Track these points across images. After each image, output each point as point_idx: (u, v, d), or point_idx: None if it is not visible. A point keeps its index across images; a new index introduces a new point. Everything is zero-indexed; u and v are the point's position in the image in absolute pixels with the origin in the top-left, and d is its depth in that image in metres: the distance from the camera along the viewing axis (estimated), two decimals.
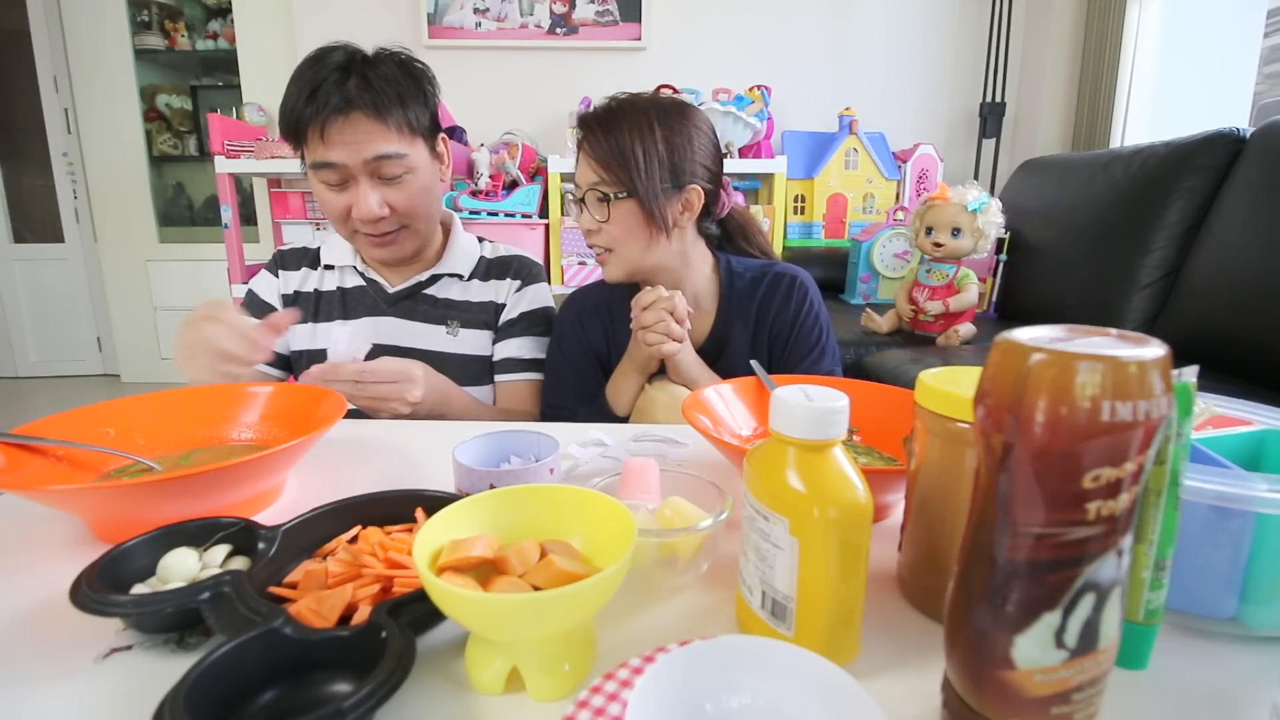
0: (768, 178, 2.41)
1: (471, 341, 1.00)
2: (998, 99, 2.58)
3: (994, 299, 2.09)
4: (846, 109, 2.46)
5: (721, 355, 0.92)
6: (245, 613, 0.35)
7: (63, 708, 0.34)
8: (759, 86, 2.45)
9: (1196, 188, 1.57)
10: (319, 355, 0.97)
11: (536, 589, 0.35)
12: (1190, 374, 0.31)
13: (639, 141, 0.82)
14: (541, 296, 1.04)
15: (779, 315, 0.92)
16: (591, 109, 0.87)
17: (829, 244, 2.45)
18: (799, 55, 2.63)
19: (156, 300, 3.23)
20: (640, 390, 0.89)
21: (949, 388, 0.38)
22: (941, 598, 0.32)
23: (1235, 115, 1.95)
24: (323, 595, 0.38)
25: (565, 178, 2.24)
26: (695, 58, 2.61)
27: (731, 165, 2.26)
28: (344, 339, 0.82)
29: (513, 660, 0.34)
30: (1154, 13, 2.17)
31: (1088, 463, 0.25)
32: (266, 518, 0.54)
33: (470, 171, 2.27)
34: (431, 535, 0.36)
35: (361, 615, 0.37)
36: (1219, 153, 1.55)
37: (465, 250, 1.03)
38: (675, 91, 2.30)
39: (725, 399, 0.67)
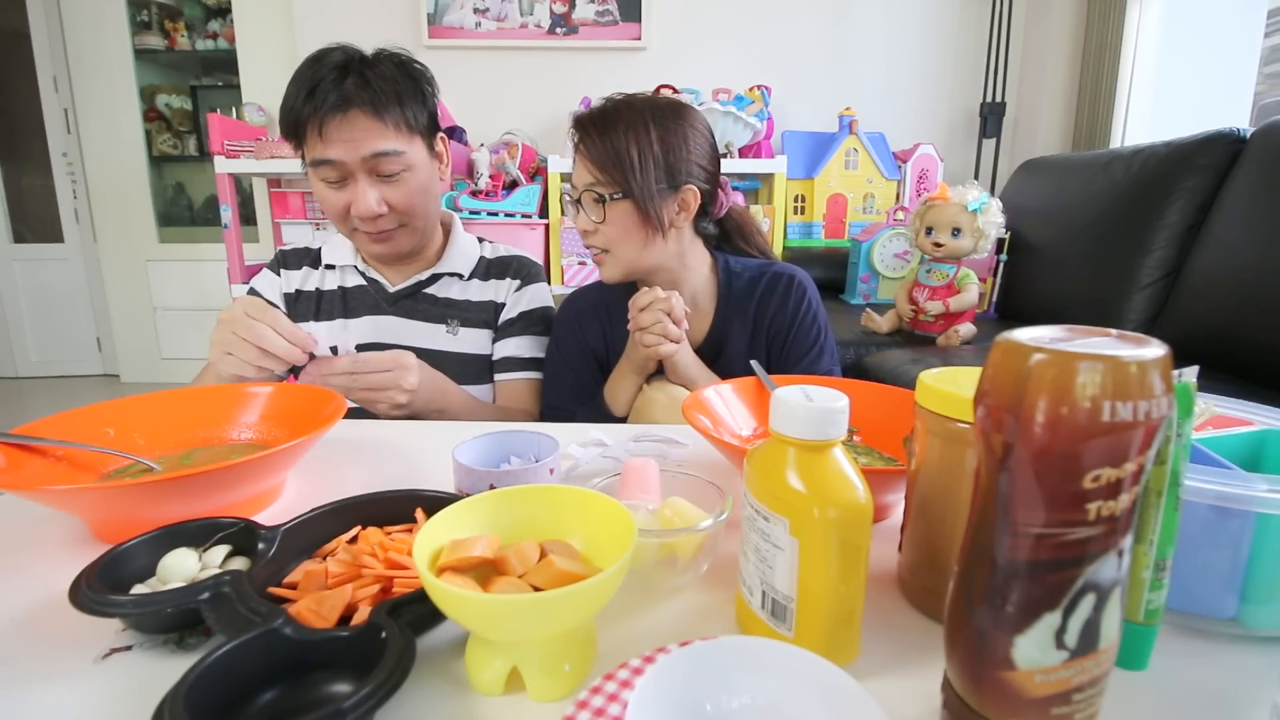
0: (768, 178, 2.41)
1: (471, 340, 1.00)
2: (998, 99, 2.58)
3: (994, 299, 2.09)
4: (846, 109, 2.46)
5: (720, 355, 0.92)
6: (245, 613, 0.35)
7: (63, 708, 0.34)
8: (759, 86, 2.45)
9: (1196, 188, 1.57)
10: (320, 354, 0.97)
11: (536, 589, 0.35)
12: (1190, 374, 0.31)
13: (634, 142, 0.82)
14: (541, 296, 1.04)
15: (777, 315, 0.92)
16: (587, 110, 0.87)
17: (829, 244, 2.45)
18: (799, 55, 2.63)
19: (156, 300, 3.23)
20: (638, 391, 0.89)
21: (949, 388, 0.38)
22: (941, 598, 0.32)
23: (1235, 115, 1.95)
24: (323, 595, 0.38)
25: (565, 178, 2.24)
26: (695, 58, 2.61)
27: (731, 165, 2.26)
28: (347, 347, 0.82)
29: (513, 660, 0.34)
30: (1154, 13, 2.17)
31: (1088, 463, 0.25)
32: (266, 518, 0.54)
33: (470, 171, 2.27)
34: (431, 535, 0.36)
35: (361, 615, 0.37)
36: (1219, 153, 1.55)
37: (465, 250, 1.03)
38: (675, 91, 2.31)
39: (725, 399, 0.67)
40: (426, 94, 0.92)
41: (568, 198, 0.90)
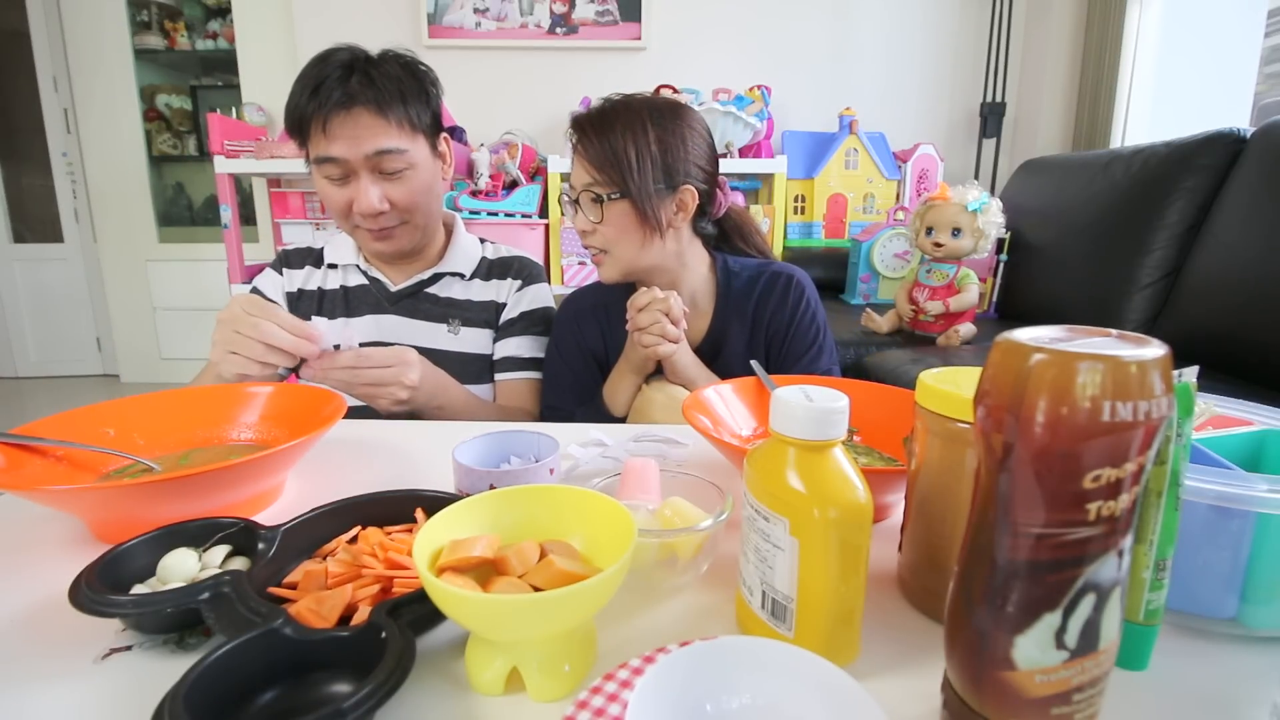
0: (768, 178, 2.41)
1: (472, 340, 1.00)
2: (998, 99, 2.58)
3: (994, 299, 2.09)
4: (846, 109, 2.46)
5: (719, 355, 0.93)
6: (245, 613, 0.35)
7: (63, 708, 0.34)
8: (759, 86, 2.45)
9: (1196, 188, 1.57)
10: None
11: (536, 589, 0.35)
12: (1190, 374, 0.31)
13: (632, 142, 0.82)
14: (542, 296, 1.05)
15: (776, 314, 0.92)
16: (585, 110, 0.87)
17: (829, 244, 2.45)
18: (799, 55, 2.63)
19: (156, 300, 3.23)
20: (637, 391, 0.89)
21: (949, 388, 0.38)
22: (941, 598, 0.32)
23: (1235, 115, 1.95)
24: (323, 595, 0.38)
25: (565, 178, 2.23)
26: (695, 58, 2.61)
27: (731, 165, 2.26)
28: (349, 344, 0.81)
29: (513, 660, 0.34)
30: (1154, 13, 2.17)
31: (1088, 463, 0.25)
32: (266, 518, 0.54)
33: (470, 171, 2.27)
34: (431, 535, 0.36)
35: (361, 615, 0.37)
36: (1219, 153, 1.55)
37: (467, 250, 1.04)
38: (675, 91, 2.31)
39: (725, 399, 0.67)
40: (431, 94, 0.92)
41: (566, 198, 0.90)
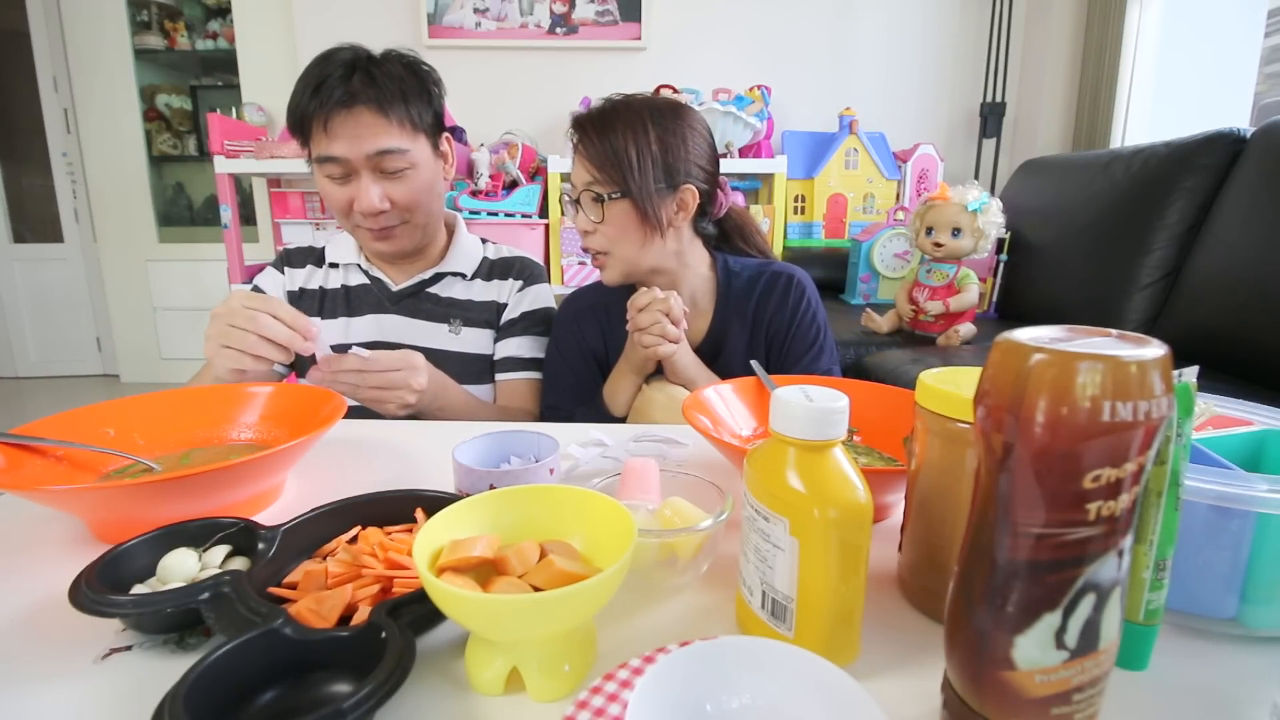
0: (768, 178, 2.41)
1: (473, 340, 1.00)
2: (998, 99, 2.58)
3: (994, 299, 2.09)
4: (846, 109, 2.46)
5: (719, 355, 0.93)
6: (245, 613, 0.35)
7: (63, 708, 0.34)
8: (759, 86, 2.45)
9: (1196, 188, 1.57)
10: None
11: (536, 589, 0.35)
12: (1190, 374, 0.31)
13: (632, 142, 0.82)
14: (543, 297, 1.05)
15: (776, 314, 0.92)
16: (586, 110, 0.87)
17: (829, 244, 2.45)
18: (799, 55, 2.63)
19: (156, 300, 3.23)
20: (638, 391, 0.89)
21: (949, 388, 0.38)
22: (941, 598, 0.32)
23: (1235, 115, 1.95)
24: (323, 595, 0.38)
25: (565, 178, 2.24)
26: (695, 58, 2.61)
27: (731, 165, 2.26)
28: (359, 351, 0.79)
29: (513, 660, 0.34)
30: (1154, 13, 2.17)
31: (1088, 463, 0.25)
32: (266, 518, 0.54)
33: (470, 171, 2.27)
34: (431, 535, 0.36)
35: (361, 615, 0.37)
36: (1219, 153, 1.55)
37: (468, 250, 1.04)
38: (675, 91, 2.31)
39: (725, 399, 0.67)
40: (433, 94, 0.92)
41: (567, 197, 0.90)
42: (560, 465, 0.54)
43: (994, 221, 1.72)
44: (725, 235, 1.00)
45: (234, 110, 2.82)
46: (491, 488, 0.44)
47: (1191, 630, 0.39)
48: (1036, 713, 0.28)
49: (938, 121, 2.68)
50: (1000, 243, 2.01)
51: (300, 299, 1.01)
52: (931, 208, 1.77)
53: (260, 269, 1.06)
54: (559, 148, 2.47)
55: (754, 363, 0.71)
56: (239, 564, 0.42)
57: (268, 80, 2.81)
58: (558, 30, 2.58)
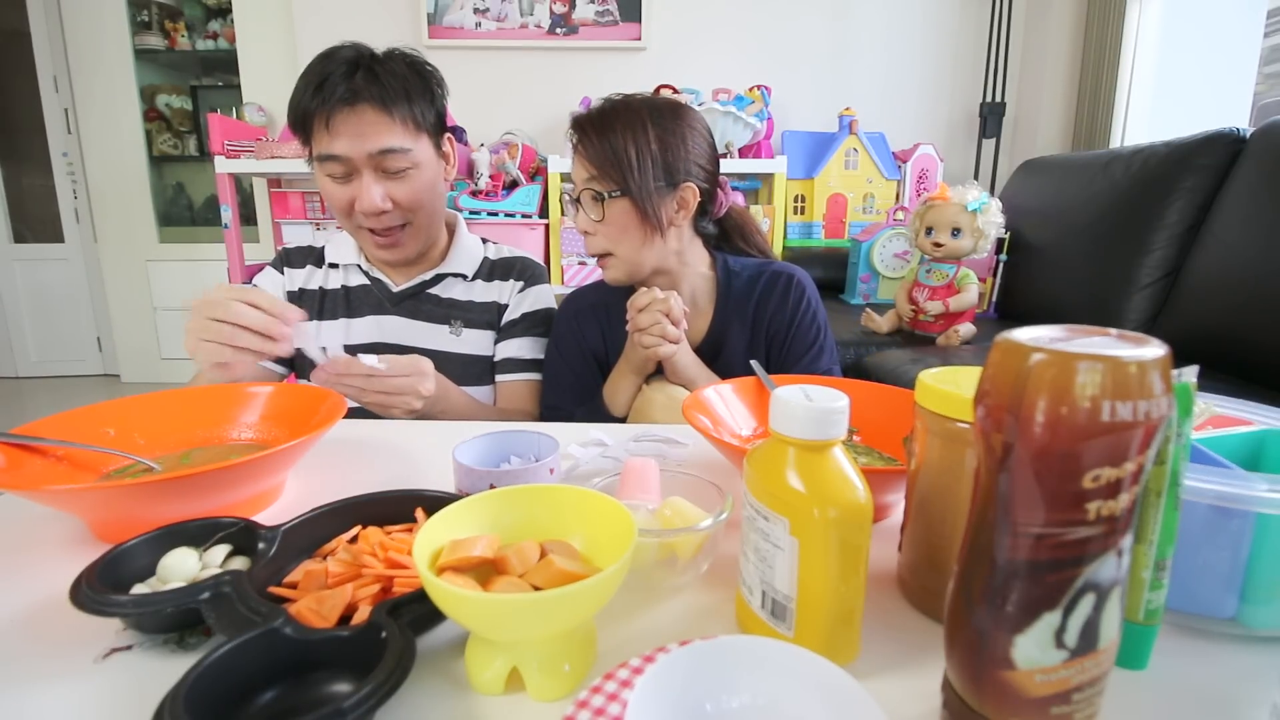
0: (768, 178, 2.40)
1: (474, 342, 1.00)
2: (998, 99, 2.58)
3: (994, 299, 2.09)
4: (846, 109, 2.46)
5: (719, 355, 0.92)
6: (245, 613, 0.35)
7: (63, 708, 0.34)
8: (759, 86, 2.45)
9: (1196, 188, 1.57)
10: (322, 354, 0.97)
11: (536, 589, 0.35)
12: (1190, 374, 0.31)
13: (632, 142, 0.82)
14: (544, 298, 1.04)
15: (776, 314, 0.92)
16: (585, 110, 0.87)
17: (829, 244, 2.45)
18: (799, 55, 2.63)
19: (156, 300, 3.23)
20: (638, 391, 0.89)
21: (949, 388, 0.38)
22: (941, 598, 0.32)
23: (1235, 115, 1.95)
24: (323, 595, 0.38)
25: (565, 178, 2.24)
26: (695, 58, 2.61)
27: (731, 165, 2.26)
28: (370, 359, 0.75)
29: (513, 660, 0.34)
30: (1154, 13, 2.17)
31: (1088, 463, 0.25)
32: (266, 518, 0.54)
33: (470, 171, 2.27)
34: (431, 535, 0.36)
35: (361, 615, 0.37)
36: (1219, 153, 1.55)
37: (469, 251, 1.03)
38: (675, 91, 2.31)
39: (725, 399, 0.67)
40: (436, 93, 0.92)
41: (567, 197, 0.90)
42: (560, 465, 0.54)
43: (994, 221, 1.72)
44: (725, 235, 1.00)
45: (234, 110, 2.82)
46: (491, 487, 0.44)
47: (1191, 630, 0.39)
48: (1036, 712, 0.28)
49: (937, 121, 2.68)
50: (1000, 243, 2.01)
51: (300, 300, 1.01)
52: (931, 208, 1.77)
53: (260, 269, 1.06)
54: (559, 148, 2.47)
55: (754, 362, 0.71)
56: (239, 564, 0.42)
57: (268, 80, 2.81)
58: (558, 30, 2.58)
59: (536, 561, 0.37)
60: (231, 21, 2.88)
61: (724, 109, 2.24)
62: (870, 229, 2.22)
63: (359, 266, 1.01)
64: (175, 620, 0.38)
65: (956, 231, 1.72)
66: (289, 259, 1.03)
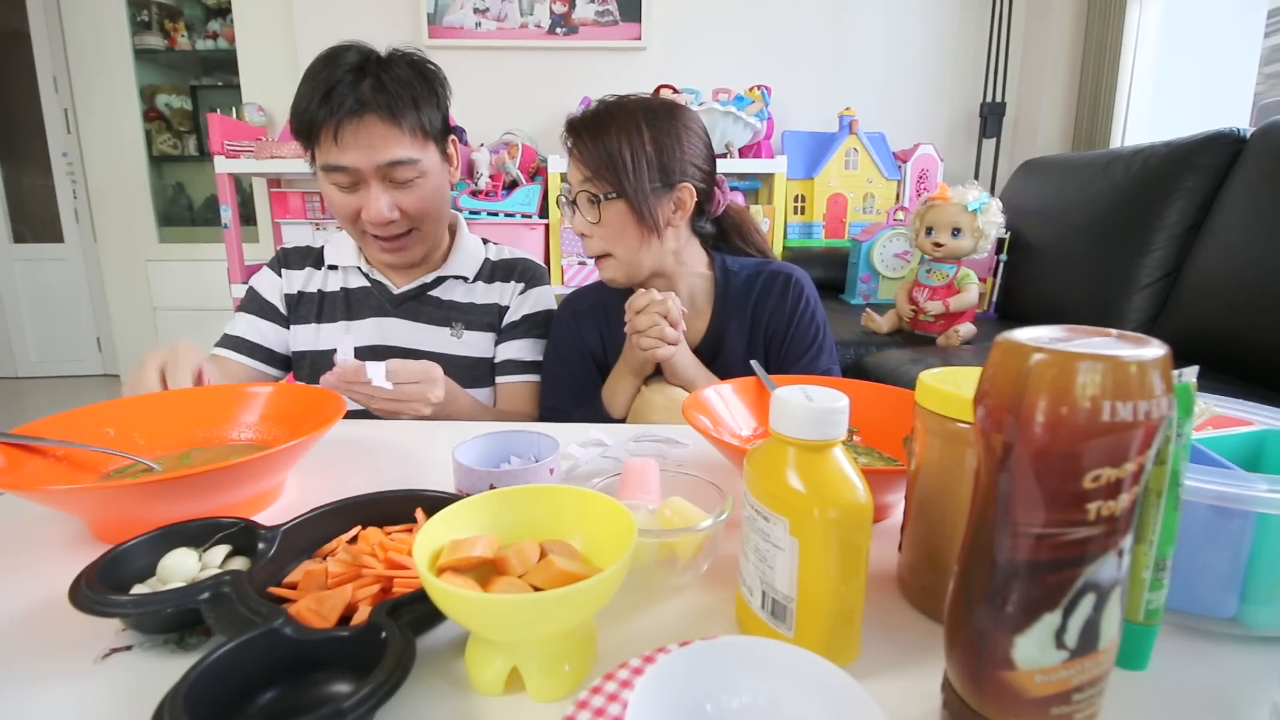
0: (768, 178, 2.40)
1: (475, 344, 1.00)
2: (998, 99, 2.58)
3: (994, 299, 2.09)
4: (846, 109, 2.46)
5: (718, 355, 0.92)
6: (245, 613, 0.35)
7: (63, 708, 0.34)
8: (759, 86, 2.45)
9: (1196, 188, 1.57)
10: (322, 356, 0.97)
11: (536, 589, 0.35)
12: (1190, 374, 0.31)
13: (626, 143, 0.82)
14: (545, 299, 1.04)
15: (775, 314, 0.92)
16: (579, 113, 0.87)
17: (829, 244, 2.45)
18: (799, 55, 2.63)
19: (156, 300, 3.23)
20: (636, 392, 0.89)
21: (949, 388, 0.38)
22: (941, 598, 0.32)
23: (1235, 115, 1.94)
24: (323, 595, 0.38)
25: (565, 178, 2.23)
26: (695, 58, 2.61)
27: (732, 165, 2.26)
28: (378, 373, 0.75)
29: (513, 660, 0.34)
30: (1154, 13, 2.17)
31: (1088, 463, 0.25)
32: (266, 518, 0.54)
33: (470, 171, 2.27)
34: (431, 535, 0.36)
35: (361, 615, 0.37)
36: (1219, 153, 1.55)
37: (471, 252, 1.03)
38: (675, 92, 2.31)
39: (725, 399, 0.67)
40: (441, 96, 0.91)
41: (564, 199, 0.90)
42: (560, 465, 0.55)
43: (994, 221, 1.72)
44: (723, 234, 1.00)
45: (234, 110, 2.82)
46: (491, 488, 0.44)
47: (1191, 630, 0.39)
48: (1036, 712, 0.28)
49: (937, 121, 2.68)
50: (1000, 243, 2.01)
51: (299, 303, 1.00)
52: (931, 208, 1.77)
53: (259, 269, 1.05)
54: (559, 148, 2.43)
55: (754, 362, 0.71)
56: (239, 564, 0.42)
57: (268, 80, 2.80)
58: (558, 30, 2.58)
59: (536, 562, 0.37)
60: (231, 21, 2.87)
61: (724, 109, 2.24)
62: (870, 229, 2.22)
63: (359, 268, 1.00)
64: (175, 620, 0.38)
65: (957, 231, 1.72)
66: (287, 260, 1.03)
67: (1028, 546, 0.27)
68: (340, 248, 1.01)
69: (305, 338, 0.99)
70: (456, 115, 2.40)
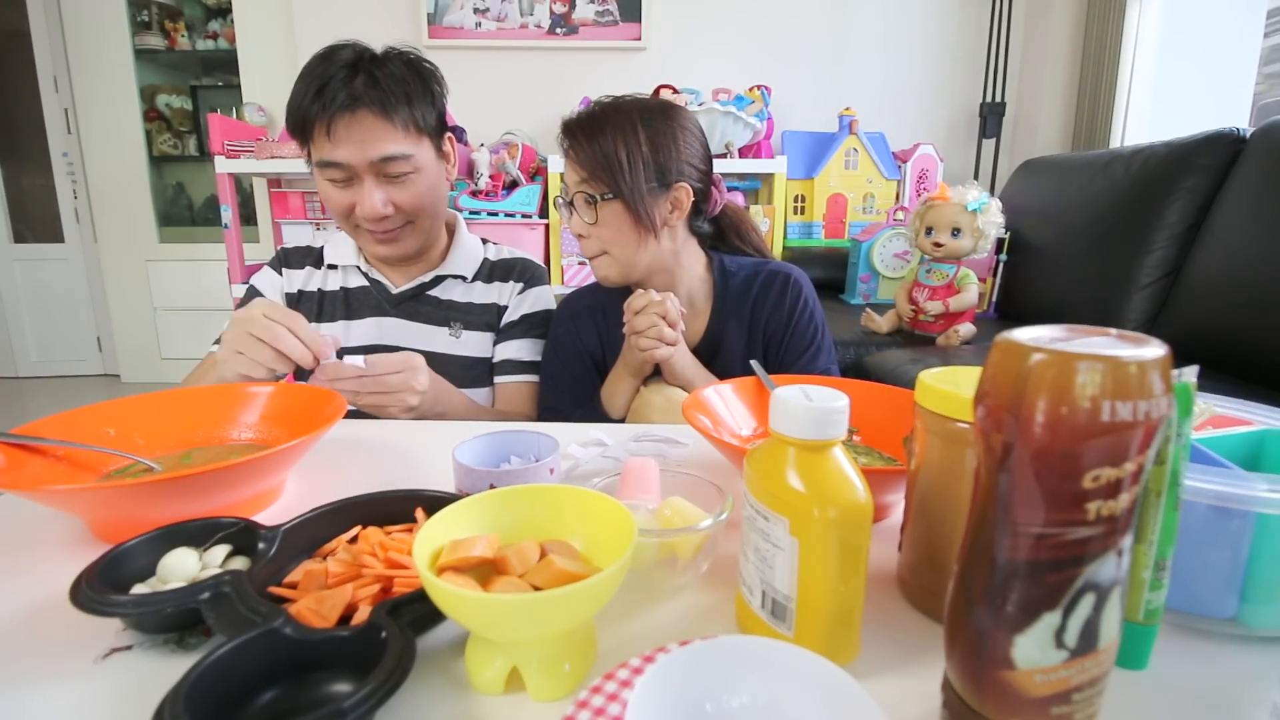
0: (768, 178, 2.41)
1: (474, 343, 1.00)
2: (998, 99, 2.58)
3: (994, 299, 2.09)
4: (846, 109, 2.46)
5: (717, 355, 0.92)
6: (245, 613, 0.35)
7: (63, 708, 0.34)
8: (759, 86, 2.45)
9: (1196, 188, 1.57)
10: None
11: (536, 589, 0.35)
12: (1190, 374, 0.31)
13: (622, 143, 0.82)
14: (544, 299, 1.04)
15: (773, 314, 0.92)
16: (575, 115, 0.87)
17: (829, 244, 2.45)
18: (799, 55, 2.63)
19: (156, 300, 3.23)
20: (635, 393, 0.89)
21: (949, 388, 0.38)
22: (941, 598, 0.32)
23: (1235, 115, 1.95)
24: (323, 595, 0.38)
25: (564, 178, 2.24)
26: (695, 58, 2.61)
27: (731, 165, 2.26)
28: (358, 362, 0.76)
29: (513, 660, 0.34)
30: (1154, 13, 2.17)
31: (1088, 463, 0.25)
32: (266, 518, 0.54)
33: (470, 171, 2.27)
34: (431, 535, 0.36)
35: (361, 615, 0.36)
36: (1219, 153, 1.55)
37: (469, 252, 1.03)
38: (675, 92, 2.31)
39: (725, 399, 0.67)
40: (435, 93, 0.91)
41: (561, 200, 0.90)
42: (560, 465, 0.54)
43: (994, 221, 1.72)
44: (721, 233, 1.00)
45: (234, 110, 2.83)
46: (491, 487, 0.44)
47: (1191, 630, 0.39)
48: (1036, 712, 0.28)
49: (937, 121, 2.68)
50: (1000, 243, 2.01)
51: (299, 301, 1.00)
52: (931, 208, 1.77)
53: (259, 269, 1.06)
54: (559, 148, 2.46)
55: (754, 362, 0.71)
56: (239, 564, 0.42)
57: (268, 80, 2.81)
58: (558, 30, 2.58)
59: (536, 561, 0.37)
60: (231, 21, 2.88)
61: (724, 109, 2.24)
62: (870, 229, 2.22)
63: (358, 268, 1.01)
64: (175, 620, 0.38)
65: (956, 231, 1.72)
66: (287, 259, 1.03)
67: (1027, 546, 0.27)
68: (340, 247, 1.02)
69: None
70: (456, 116, 2.40)
